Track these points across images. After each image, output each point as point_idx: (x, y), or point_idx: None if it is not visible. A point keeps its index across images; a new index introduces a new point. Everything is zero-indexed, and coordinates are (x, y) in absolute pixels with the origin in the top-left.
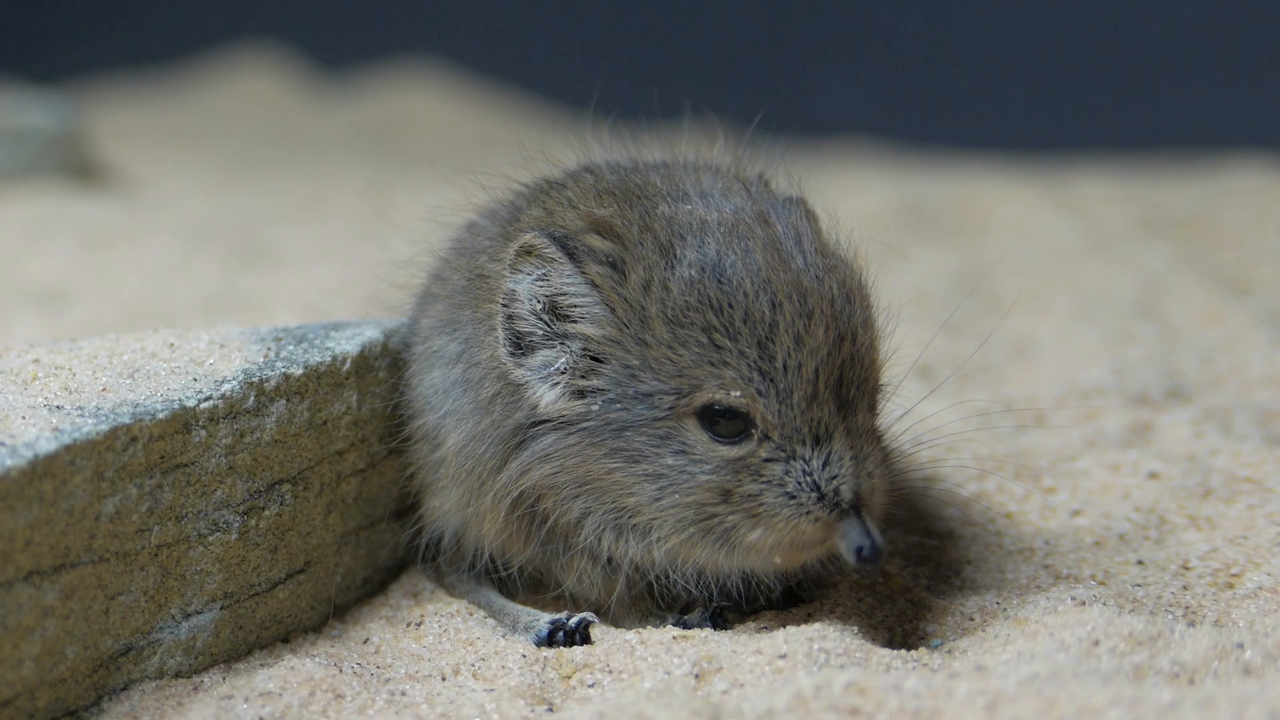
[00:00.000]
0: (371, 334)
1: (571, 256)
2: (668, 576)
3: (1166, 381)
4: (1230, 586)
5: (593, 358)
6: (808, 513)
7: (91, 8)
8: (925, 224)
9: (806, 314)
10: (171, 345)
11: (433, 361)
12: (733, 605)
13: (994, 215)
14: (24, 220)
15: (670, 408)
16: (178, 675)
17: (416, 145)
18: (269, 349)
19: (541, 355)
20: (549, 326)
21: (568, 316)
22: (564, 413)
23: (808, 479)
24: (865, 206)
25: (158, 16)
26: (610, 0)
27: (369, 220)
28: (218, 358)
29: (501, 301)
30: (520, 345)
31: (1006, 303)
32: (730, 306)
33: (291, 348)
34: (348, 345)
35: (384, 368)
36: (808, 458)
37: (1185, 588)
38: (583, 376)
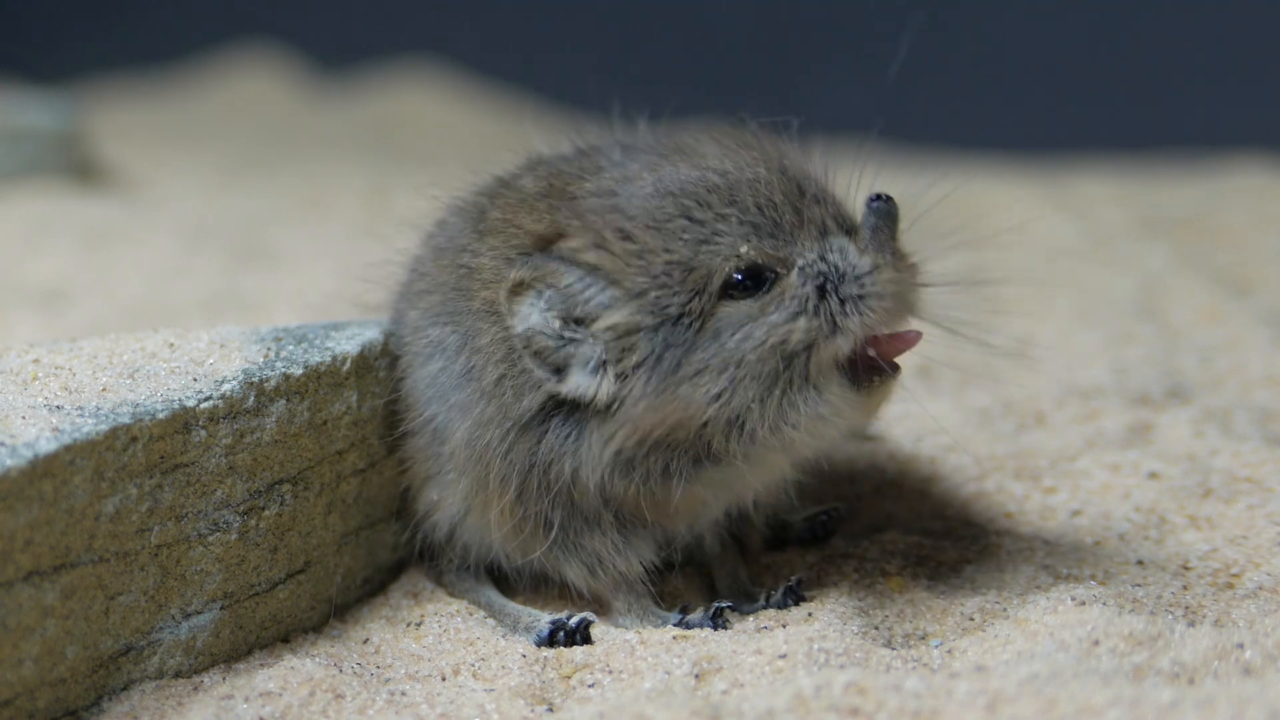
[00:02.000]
0: (371, 334)
1: (563, 260)
2: (702, 518)
3: (1166, 381)
4: (1230, 586)
5: (625, 335)
6: (878, 282)
7: (91, 8)
8: (925, 224)
9: (755, 163)
10: (171, 345)
11: (431, 352)
12: (733, 605)
13: (994, 215)
14: (24, 220)
15: (700, 313)
16: (178, 675)
17: (416, 145)
18: (269, 349)
19: (580, 363)
20: (572, 336)
21: (585, 318)
22: (620, 394)
23: (849, 261)
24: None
25: (158, 16)
26: (610, 0)
27: (369, 220)
28: (218, 358)
29: (522, 346)
30: (561, 369)
31: (1006, 303)
32: (689, 187)
33: (291, 348)
34: (348, 345)
35: (384, 368)
36: (835, 247)
37: (1185, 588)
38: (622, 355)
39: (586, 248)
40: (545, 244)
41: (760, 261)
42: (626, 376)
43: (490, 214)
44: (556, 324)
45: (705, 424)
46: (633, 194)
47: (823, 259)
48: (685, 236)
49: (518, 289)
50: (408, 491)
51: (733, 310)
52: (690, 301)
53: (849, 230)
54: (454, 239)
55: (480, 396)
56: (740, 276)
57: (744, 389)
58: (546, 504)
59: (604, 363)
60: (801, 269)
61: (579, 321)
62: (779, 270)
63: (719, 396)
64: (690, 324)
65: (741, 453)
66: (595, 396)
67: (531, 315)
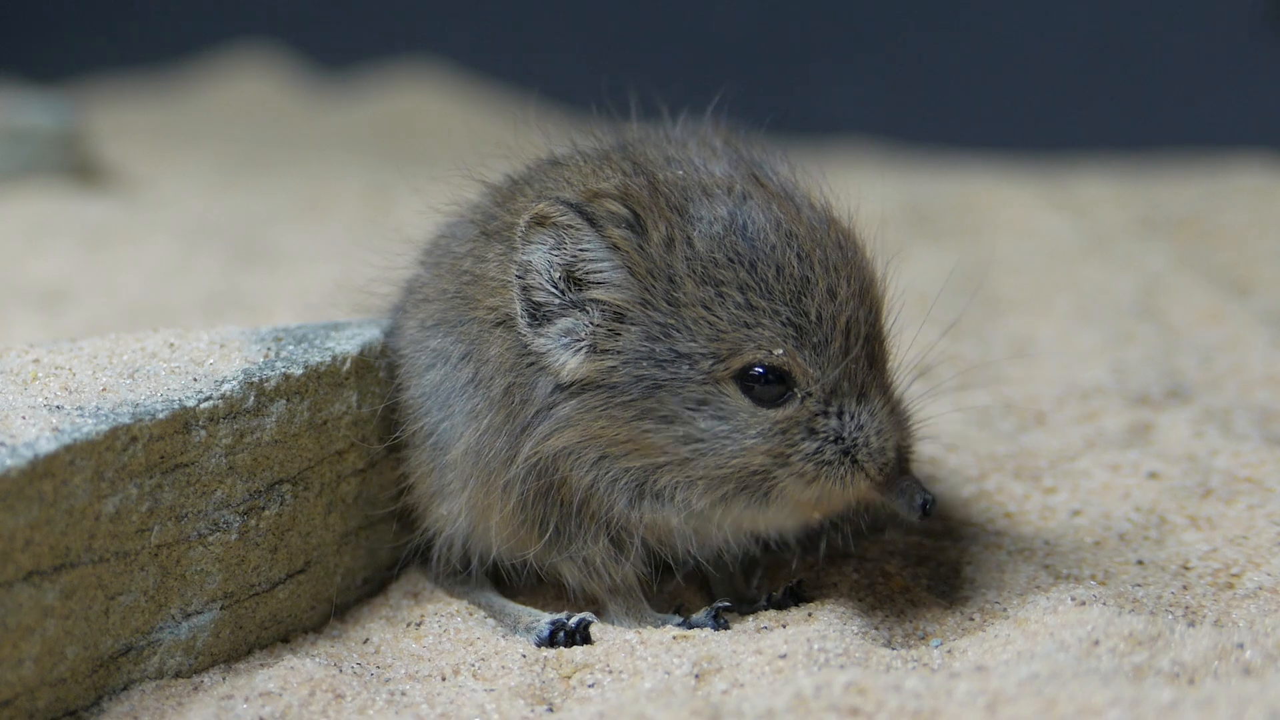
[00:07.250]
0: (371, 334)
1: (591, 221)
2: (675, 548)
3: (1166, 381)
4: (1230, 586)
5: (615, 319)
6: (862, 469)
7: (91, 8)
8: (925, 224)
9: (834, 267)
10: (171, 345)
11: (434, 361)
12: (733, 605)
13: (994, 215)
14: (24, 220)
15: (708, 371)
16: (178, 675)
17: (416, 145)
18: (269, 349)
19: (561, 324)
20: (564, 295)
21: (585, 282)
22: (589, 376)
23: (861, 433)
24: (865, 207)
25: (157, 17)
26: (610, 0)
27: (369, 221)
28: (218, 358)
29: (516, 274)
30: (537, 316)
31: (1006, 303)
32: (760, 263)
33: (291, 348)
34: (348, 345)
35: (384, 368)
36: (854, 413)
37: (1185, 588)
38: (605, 339)
39: (624, 229)
40: (607, 194)
41: (788, 370)
42: (599, 361)
43: (500, 217)
44: (557, 273)
45: (659, 459)
46: (703, 218)
47: (839, 415)
48: (731, 309)
49: (540, 221)
50: (409, 501)
51: (736, 401)
52: (704, 357)
53: (879, 382)
54: (458, 248)
55: (489, 406)
56: (762, 370)
57: (701, 466)
58: (544, 508)
59: (581, 339)
60: (826, 407)
61: (578, 283)
62: (797, 390)
63: (680, 459)
64: (693, 369)
65: (685, 510)
66: (562, 367)
67: (538, 253)
